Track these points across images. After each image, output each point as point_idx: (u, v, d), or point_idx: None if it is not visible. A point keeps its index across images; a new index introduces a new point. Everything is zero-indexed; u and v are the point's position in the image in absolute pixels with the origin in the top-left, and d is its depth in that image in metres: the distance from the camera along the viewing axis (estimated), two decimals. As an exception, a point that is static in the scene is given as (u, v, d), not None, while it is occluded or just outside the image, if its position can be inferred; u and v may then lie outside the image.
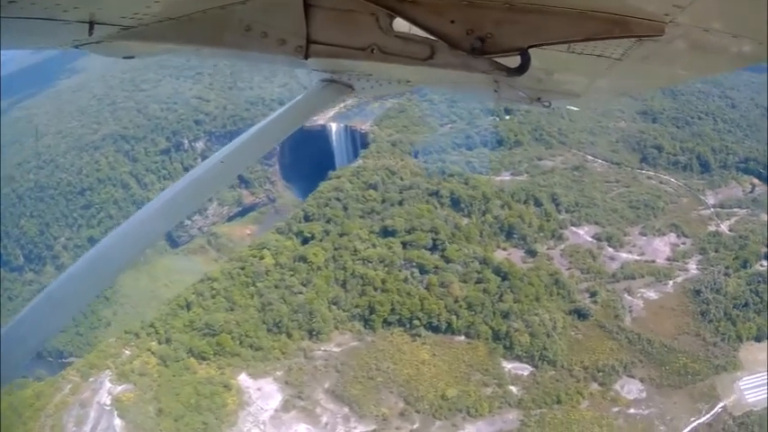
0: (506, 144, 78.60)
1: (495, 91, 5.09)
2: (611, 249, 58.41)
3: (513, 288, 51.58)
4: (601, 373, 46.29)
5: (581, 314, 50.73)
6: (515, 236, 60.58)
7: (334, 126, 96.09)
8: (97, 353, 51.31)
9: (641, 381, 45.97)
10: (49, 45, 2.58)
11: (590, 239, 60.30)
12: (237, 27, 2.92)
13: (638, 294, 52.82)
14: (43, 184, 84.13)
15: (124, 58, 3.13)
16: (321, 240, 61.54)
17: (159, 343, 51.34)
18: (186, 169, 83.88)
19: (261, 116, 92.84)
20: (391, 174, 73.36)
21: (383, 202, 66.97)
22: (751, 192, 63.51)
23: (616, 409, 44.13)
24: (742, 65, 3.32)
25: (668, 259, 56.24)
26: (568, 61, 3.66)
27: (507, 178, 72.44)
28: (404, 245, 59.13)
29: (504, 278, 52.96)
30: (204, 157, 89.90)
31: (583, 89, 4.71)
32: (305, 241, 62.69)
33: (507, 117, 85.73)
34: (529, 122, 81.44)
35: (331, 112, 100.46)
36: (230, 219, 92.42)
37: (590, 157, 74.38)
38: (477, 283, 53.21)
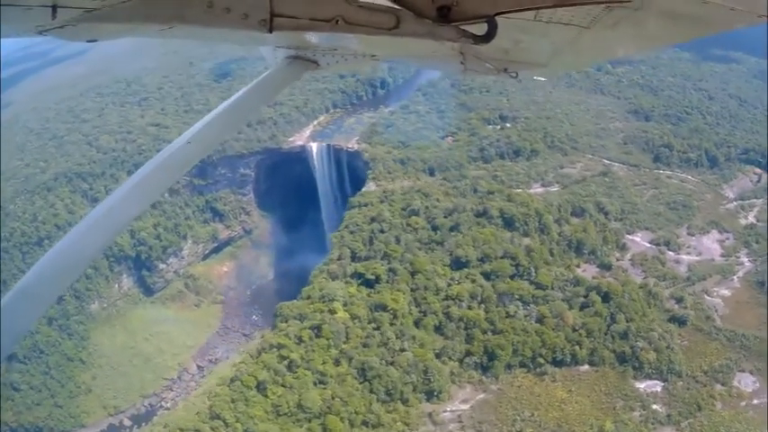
0: (523, 154, 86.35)
1: (462, 63, 5.58)
2: (671, 253, 69.26)
3: (621, 307, 58.76)
4: (719, 374, 55.75)
5: (680, 321, 59.95)
6: (585, 251, 68.16)
7: (314, 146, 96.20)
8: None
9: (751, 373, 56.40)
10: (11, 33, 2.78)
11: (648, 245, 70.60)
12: (200, 3, 3.20)
13: (714, 293, 64.07)
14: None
15: (88, 41, 3.47)
16: (390, 282, 62.42)
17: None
18: (154, 205, 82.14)
19: (232, 139, 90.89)
20: (425, 196, 76.30)
21: (435, 229, 69.71)
22: (758, 182, 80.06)
23: (743, 403, 53.69)
24: (711, 32, 3.63)
25: (722, 256, 68.76)
26: (535, 30, 4.01)
27: (540, 190, 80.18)
28: (486, 276, 62.98)
29: (605, 298, 59.89)
30: (172, 191, 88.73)
31: (549, 59, 5.16)
32: (368, 284, 62.98)
33: (508, 125, 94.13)
34: (535, 129, 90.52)
35: (307, 132, 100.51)
36: (206, 257, 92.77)
37: (606, 161, 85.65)
38: (583, 307, 59.35)
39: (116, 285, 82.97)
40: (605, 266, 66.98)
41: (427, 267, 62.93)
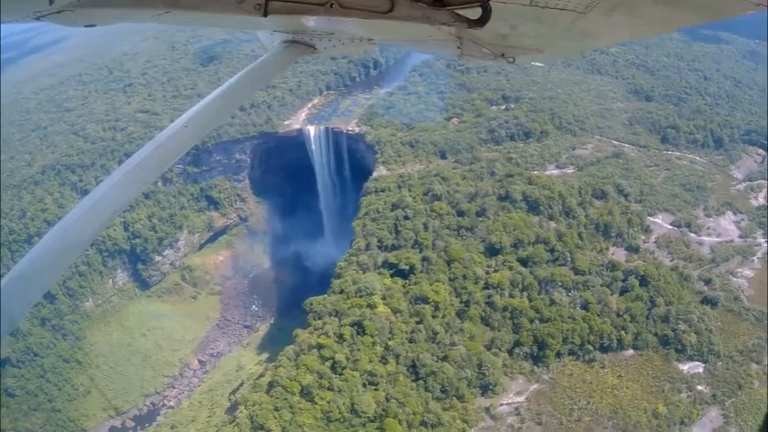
0: (534, 135, 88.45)
1: (459, 47, 5.88)
2: (693, 235, 73.44)
3: (659, 290, 61.98)
4: (753, 353, 60.17)
5: (712, 302, 64.00)
6: (612, 234, 71.09)
7: (312, 129, 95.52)
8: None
9: (782, 352, 61.25)
10: (9, 19, 2.83)
11: (669, 227, 74.49)
12: None
13: (738, 274, 68.69)
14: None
15: (85, 26, 3.63)
16: (427, 272, 62.83)
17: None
18: (147, 195, 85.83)
19: (227, 125, 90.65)
20: (443, 180, 76.92)
21: (461, 215, 70.55)
22: (762, 162, 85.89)
23: (778, 382, 58.38)
24: (708, 19, 3.74)
25: (741, 237, 73.66)
26: (531, 15, 4.27)
27: (556, 172, 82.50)
28: (523, 263, 64.60)
29: (643, 282, 62.96)
30: (166, 179, 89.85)
31: (546, 44, 5.42)
32: (402, 275, 63.21)
33: (513, 106, 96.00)
34: (542, 110, 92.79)
35: (302, 115, 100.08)
36: (201, 247, 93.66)
37: (615, 142, 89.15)
38: (624, 292, 62.16)
39: (110, 281, 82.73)
40: (633, 249, 70.15)
41: (463, 255, 63.62)
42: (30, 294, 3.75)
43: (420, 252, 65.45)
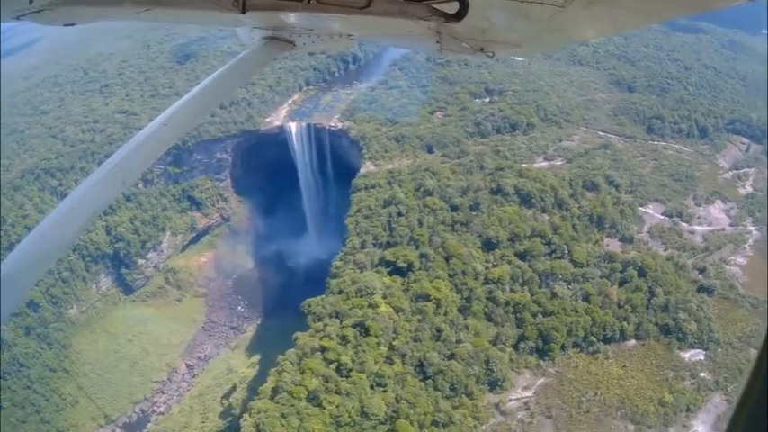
0: (520, 128, 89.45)
1: (438, 42, 6.01)
2: (685, 224, 75.28)
3: (657, 280, 63.25)
4: (751, 339, 61.95)
5: (708, 290, 65.67)
6: (606, 225, 72.29)
7: (293, 126, 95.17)
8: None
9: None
10: None
11: (661, 217, 76.22)
12: None
13: (732, 262, 70.69)
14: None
15: (65, 25, 3.67)
16: (426, 269, 62.77)
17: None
18: (128, 198, 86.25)
19: (207, 123, 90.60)
20: (433, 174, 77.07)
21: (454, 210, 70.74)
22: (747, 151, 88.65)
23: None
24: (691, 12, 3.76)
25: (731, 225, 75.80)
26: (510, 9, 4.34)
27: (545, 165, 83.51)
28: (520, 257, 65.11)
29: (641, 272, 64.15)
30: (146, 180, 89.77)
31: (526, 39, 5.57)
32: (400, 273, 63.05)
33: (497, 99, 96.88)
34: (526, 103, 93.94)
35: (283, 111, 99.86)
36: (184, 248, 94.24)
37: (601, 133, 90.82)
38: (623, 283, 63.23)
39: (93, 286, 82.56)
40: (627, 240, 71.48)
41: (462, 251, 63.73)
42: (9, 300, 3.69)
43: (416, 249, 65.27)
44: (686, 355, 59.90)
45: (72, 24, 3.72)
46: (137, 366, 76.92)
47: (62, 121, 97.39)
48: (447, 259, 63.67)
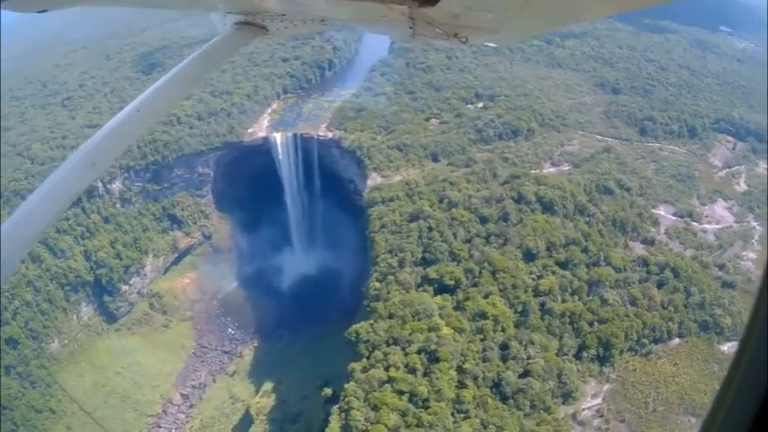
0: (521, 134, 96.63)
1: (411, 27, 6.35)
2: (695, 224, 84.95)
3: (690, 280, 71.67)
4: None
5: (731, 286, 74.99)
6: (628, 229, 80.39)
7: (278, 136, 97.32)
8: None
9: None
10: None
11: (673, 218, 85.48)
12: None
13: (744, 257, 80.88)
14: None
15: (38, 12, 3.85)
16: (475, 285, 67.39)
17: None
18: (107, 219, 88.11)
19: (187, 136, 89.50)
20: (451, 185, 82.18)
21: (483, 221, 75.99)
22: (734, 149, 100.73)
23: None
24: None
25: (736, 222, 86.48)
26: None
27: (553, 170, 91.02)
28: (562, 265, 71.34)
29: (675, 273, 72.38)
30: (124, 200, 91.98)
31: (500, 25, 5.77)
32: (446, 290, 67.21)
33: (491, 104, 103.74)
34: (521, 108, 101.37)
35: (264, 121, 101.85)
36: (167, 270, 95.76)
37: (599, 137, 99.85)
38: (661, 285, 71.06)
39: (74, 317, 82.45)
40: (649, 242, 79.54)
41: (507, 264, 68.85)
42: None
43: (457, 264, 69.66)
44: (725, 347, 68.24)
45: (44, 11, 3.89)
46: (128, 401, 77.54)
47: (27, 137, 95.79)
48: (493, 274, 68.48)
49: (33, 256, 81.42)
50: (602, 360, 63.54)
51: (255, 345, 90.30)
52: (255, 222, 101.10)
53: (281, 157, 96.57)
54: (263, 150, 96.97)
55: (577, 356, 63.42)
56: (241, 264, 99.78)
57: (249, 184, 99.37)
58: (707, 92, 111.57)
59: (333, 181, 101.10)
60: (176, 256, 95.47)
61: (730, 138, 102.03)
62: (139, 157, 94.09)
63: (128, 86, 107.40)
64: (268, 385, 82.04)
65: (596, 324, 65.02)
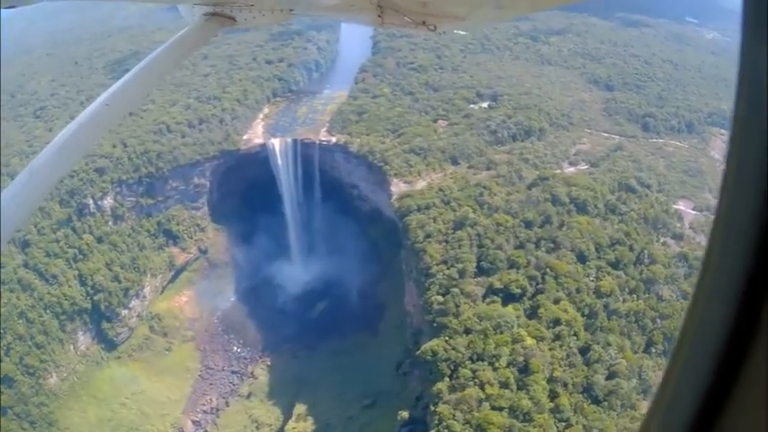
0: (534, 133, 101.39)
1: (379, 16, 6.70)
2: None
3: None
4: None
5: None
6: (659, 226, 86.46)
7: (276, 142, 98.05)
8: None
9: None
10: None
11: (694, 212, 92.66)
12: None
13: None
14: None
15: (6, 8, 4.08)
16: (542, 292, 70.80)
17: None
18: (100, 239, 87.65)
19: (181, 145, 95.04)
20: (484, 189, 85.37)
21: (528, 225, 79.65)
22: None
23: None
24: None
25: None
26: None
27: (573, 170, 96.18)
28: (614, 265, 76.07)
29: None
30: (116, 217, 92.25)
31: (468, 11, 6.18)
32: (514, 299, 70.30)
33: (495, 104, 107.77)
34: (527, 107, 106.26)
35: (258, 127, 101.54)
36: (164, 289, 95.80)
37: (605, 134, 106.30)
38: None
39: (71, 347, 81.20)
40: (678, 237, 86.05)
41: (568, 269, 72.65)
42: None
43: (517, 271, 72.73)
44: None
45: (12, 7, 4.17)
46: (137, 433, 76.13)
47: (11, 154, 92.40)
48: (556, 279, 72.06)
49: (24, 284, 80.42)
50: (668, 354, 68.26)
51: (268, 363, 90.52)
52: (253, 233, 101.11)
53: (280, 163, 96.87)
54: (261, 158, 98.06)
55: (646, 352, 67.93)
56: (240, 277, 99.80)
57: (245, 194, 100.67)
58: (693, 86, 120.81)
59: (334, 186, 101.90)
60: (173, 273, 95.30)
61: (724, 131, 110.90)
62: (132, 169, 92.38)
63: (102, 92, 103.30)
64: (300, 407, 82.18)
65: (658, 321, 69.80)
